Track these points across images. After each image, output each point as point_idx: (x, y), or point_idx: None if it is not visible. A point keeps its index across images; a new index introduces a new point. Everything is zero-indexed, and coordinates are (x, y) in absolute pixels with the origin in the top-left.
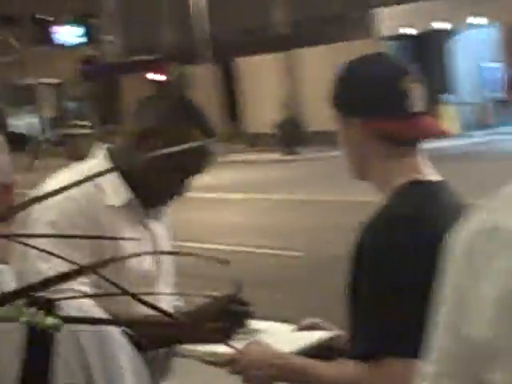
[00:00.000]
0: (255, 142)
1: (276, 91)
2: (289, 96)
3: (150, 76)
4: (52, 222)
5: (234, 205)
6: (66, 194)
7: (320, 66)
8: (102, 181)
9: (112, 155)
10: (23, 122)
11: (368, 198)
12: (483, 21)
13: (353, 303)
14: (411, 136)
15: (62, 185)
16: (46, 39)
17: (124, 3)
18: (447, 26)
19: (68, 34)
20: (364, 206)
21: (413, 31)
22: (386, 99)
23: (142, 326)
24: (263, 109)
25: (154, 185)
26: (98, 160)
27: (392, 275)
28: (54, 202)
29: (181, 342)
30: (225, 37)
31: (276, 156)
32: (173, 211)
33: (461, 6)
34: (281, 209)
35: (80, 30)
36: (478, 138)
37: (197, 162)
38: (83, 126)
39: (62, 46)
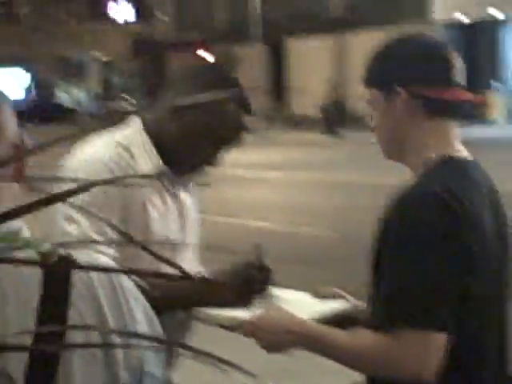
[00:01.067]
0: (300, 122)
1: (324, 74)
2: (336, 79)
3: (198, 55)
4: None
5: (273, 183)
6: (97, 158)
7: (370, 50)
8: (134, 147)
9: (146, 125)
10: (70, 96)
11: (389, 181)
12: None
13: (376, 275)
14: (455, 100)
15: (97, 154)
16: (100, 15)
17: None
18: (501, 14)
19: (121, 11)
20: (392, 189)
21: (467, 18)
22: (436, 68)
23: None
24: (310, 90)
25: (184, 154)
26: (132, 128)
27: (418, 251)
28: (85, 165)
29: (199, 305)
30: (276, 18)
31: (319, 137)
32: (211, 187)
33: None
34: (319, 189)
35: (132, 8)
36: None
37: (230, 134)
38: (128, 102)
39: (114, 23)
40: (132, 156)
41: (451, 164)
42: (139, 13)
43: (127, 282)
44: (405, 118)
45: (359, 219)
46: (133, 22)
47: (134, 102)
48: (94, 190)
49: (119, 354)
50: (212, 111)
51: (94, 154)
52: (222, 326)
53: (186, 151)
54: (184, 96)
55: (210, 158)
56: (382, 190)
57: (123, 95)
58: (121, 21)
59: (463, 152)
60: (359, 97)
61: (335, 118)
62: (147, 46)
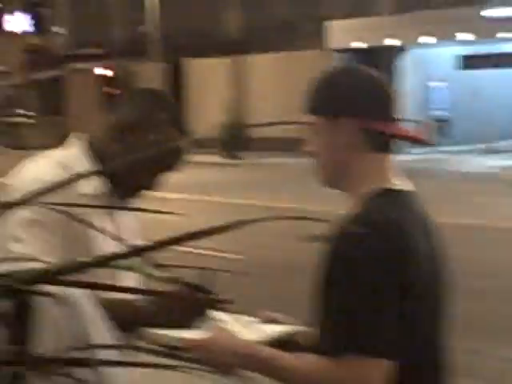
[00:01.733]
0: (198, 143)
1: (222, 95)
2: (234, 101)
3: (97, 70)
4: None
5: (172, 204)
6: (39, 178)
7: (268, 73)
8: (76, 168)
9: (89, 147)
10: None
11: (304, 206)
12: (432, 40)
13: (323, 302)
14: (396, 135)
15: (41, 174)
16: None
17: None
18: (397, 42)
19: (17, 23)
20: (301, 213)
21: (363, 45)
22: (379, 101)
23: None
24: (208, 111)
25: (126, 177)
26: (73, 148)
27: (365, 279)
28: (29, 185)
29: (145, 325)
30: (175, 37)
31: (218, 159)
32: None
33: (412, 24)
34: (218, 211)
35: (29, 19)
36: (417, 155)
37: (170, 159)
38: (25, 116)
39: (10, 34)
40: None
41: (393, 196)
42: (35, 25)
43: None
44: (347, 149)
45: (259, 241)
46: (28, 34)
47: (30, 116)
48: (38, 210)
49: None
50: (153, 136)
51: (37, 173)
52: (166, 347)
53: (126, 174)
54: (124, 119)
55: (148, 182)
56: (280, 213)
57: (19, 110)
58: (16, 32)
59: (403, 183)
60: (257, 119)
61: (234, 140)
62: (44, 59)
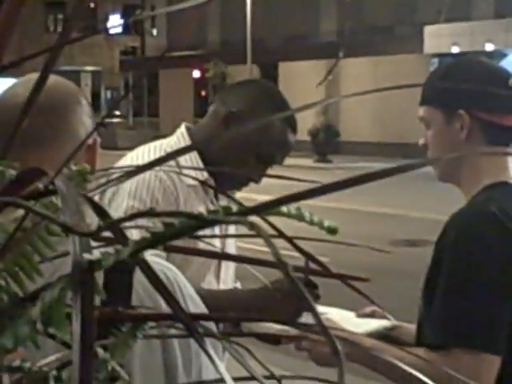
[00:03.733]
0: None
1: (314, 98)
2: (327, 104)
3: (189, 72)
4: (133, 191)
5: None
6: (140, 159)
7: (363, 77)
8: (181, 158)
9: (191, 134)
10: None
11: (386, 210)
12: None
13: (427, 292)
14: None
15: (146, 159)
16: (93, 28)
17: None
18: (498, 47)
19: (112, 25)
20: (389, 218)
21: (460, 50)
22: (498, 94)
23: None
24: (299, 115)
25: (229, 166)
26: (178, 137)
27: (472, 268)
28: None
29: (248, 320)
30: (269, 40)
31: (308, 162)
32: None
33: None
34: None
35: (125, 22)
36: None
37: (275, 150)
38: (118, 116)
39: (106, 36)
40: (178, 166)
41: (505, 188)
42: (130, 27)
43: (183, 281)
44: (463, 141)
45: (344, 246)
46: (123, 36)
47: (122, 116)
48: (144, 198)
49: (176, 345)
50: (259, 125)
51: (136, 156)
52: (267, 340)
53: (231, 164)
54: (229, 108)
55: (252, 174)
56: (370, 218)
57: (112, 111)
58: (111, 34)
59: None
60: (349, 123)
61: (325, 143)
62: (137, 60)
